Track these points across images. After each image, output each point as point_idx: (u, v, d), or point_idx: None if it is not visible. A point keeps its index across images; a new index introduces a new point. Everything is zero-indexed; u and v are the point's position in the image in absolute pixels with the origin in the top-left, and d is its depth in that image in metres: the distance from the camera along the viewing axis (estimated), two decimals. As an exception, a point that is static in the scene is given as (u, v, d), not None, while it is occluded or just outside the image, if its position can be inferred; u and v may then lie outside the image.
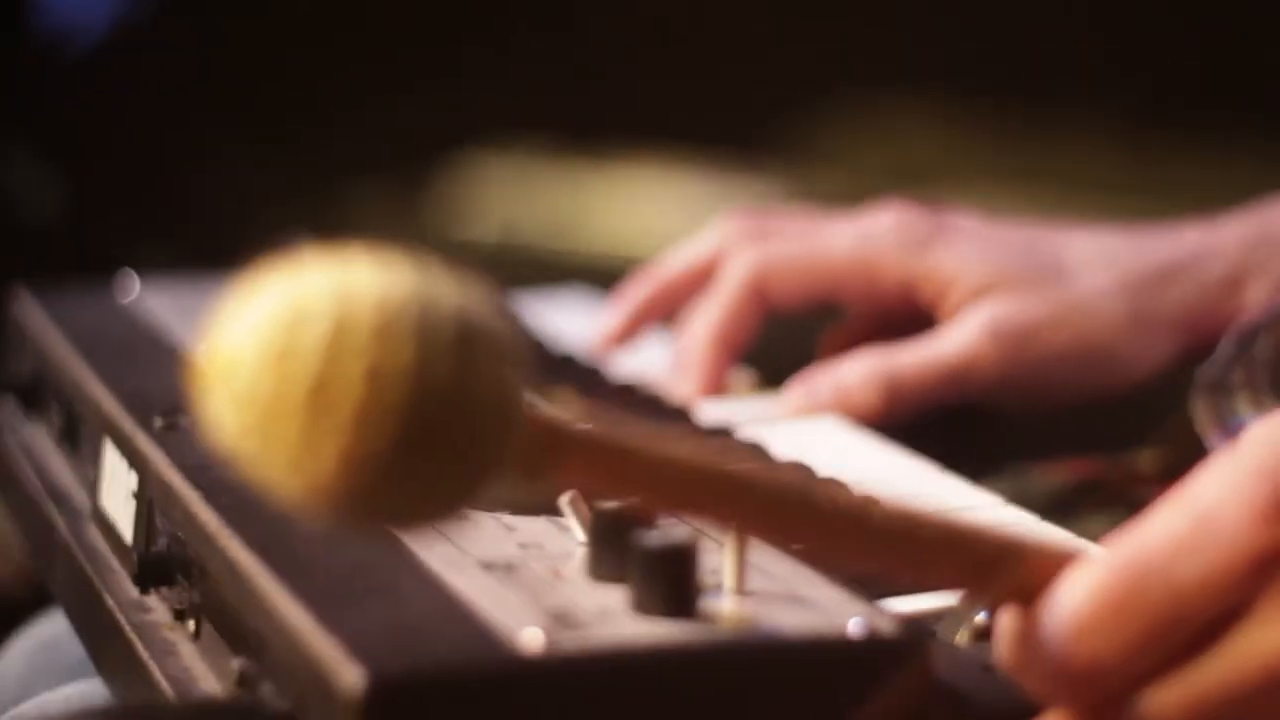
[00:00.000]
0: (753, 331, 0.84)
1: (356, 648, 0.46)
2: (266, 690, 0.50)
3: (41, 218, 2.09)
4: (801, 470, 0.68)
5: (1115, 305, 0.82)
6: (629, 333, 0.88)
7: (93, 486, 0.70)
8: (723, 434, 0.75)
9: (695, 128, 2.08)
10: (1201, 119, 1.88)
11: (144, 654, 0.58)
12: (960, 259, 0.82)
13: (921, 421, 0.81)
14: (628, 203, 2.11)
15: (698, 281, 0.86)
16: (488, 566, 0.52)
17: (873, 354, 0.81)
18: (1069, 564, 0.47)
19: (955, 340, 0.81)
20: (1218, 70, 1.88)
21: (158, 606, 0.61)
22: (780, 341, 0.87)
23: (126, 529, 0.64)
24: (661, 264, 0.88)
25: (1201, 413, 0.76)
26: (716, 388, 0.83)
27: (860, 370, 0.81)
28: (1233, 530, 0.45)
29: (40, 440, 0.81)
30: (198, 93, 2.15)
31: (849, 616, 0.49)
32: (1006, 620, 0.47)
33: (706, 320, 0.84)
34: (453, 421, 0.42)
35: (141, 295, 0.90)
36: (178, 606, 0.59)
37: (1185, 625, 0.45)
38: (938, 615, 0.55)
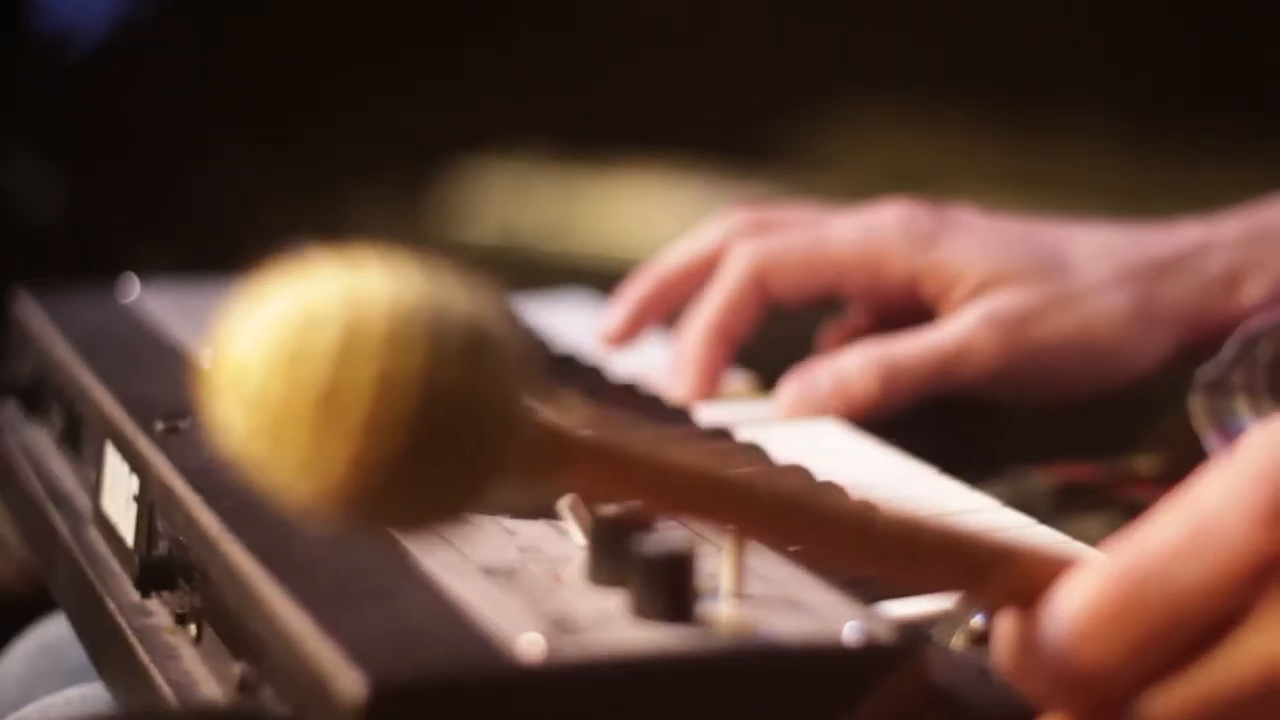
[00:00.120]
0: (753, 324, 0.84)
1: (357, 653, 0.46)
2: (267, 695, 0.50)
3: (42, 218, 2.08)
4: (800, 473, 0.68)
5: (1115, 297, 0.82)
6: (631, 328, 0.87)
7: (94, 489, 0.70)
8: (722, 435, 0.75)
9: (695, 130, 2.07)
10: (1202, 120, 1.88)
11: (145, 658, 0.58)
12: (964, 254, 0.82)
13: (921, 422, 0.81)
14: (627, 205, 2.11)
15: (700, 276, 0.85)
16: (488, 571, 0.52)
17: (870, 344, 0.81)
18: (1067, 568, 0.47)
19: (953, 328, 0.81)
20: (1218, 71, 1.88)
21: (159, 610, 0.61)
22: (779, 344, 0.87)
23: (128, 532, 0.64)
24: (663, 258, 0.87)
25: (1200, 413, 0.76)
26: (715, 379, 0.83)
27: (858, 359, 0.81)
28: (1232, 535, 0.45)
29: (41, 442, 0.81)
30: (199, 93, 2.15)
31: (845, 621, 0.49)
32: (1004, 624, 0.47)
33: (707, 311, 0.83)
34: (461, 427, 0.42)
35: (142, 297, 0.89)
36: (179, 610, 0.60)
37: (1185, 630, 0.45)
38: (934, 619, 0.55)
